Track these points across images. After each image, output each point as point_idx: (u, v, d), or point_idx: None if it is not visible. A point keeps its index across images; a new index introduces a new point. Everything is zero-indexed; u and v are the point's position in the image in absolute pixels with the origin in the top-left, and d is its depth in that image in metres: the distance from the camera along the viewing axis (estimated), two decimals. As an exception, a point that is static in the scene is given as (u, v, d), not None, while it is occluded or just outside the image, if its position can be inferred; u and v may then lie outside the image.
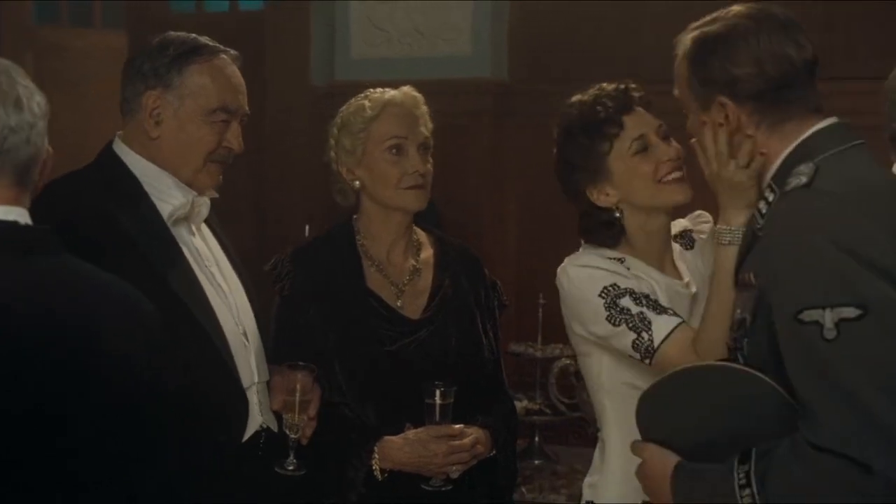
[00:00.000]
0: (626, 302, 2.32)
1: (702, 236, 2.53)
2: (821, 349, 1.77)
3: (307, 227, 4.21)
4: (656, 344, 2.27)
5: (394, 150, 2.64)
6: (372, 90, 2.73)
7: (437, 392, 2.52)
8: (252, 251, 4.11)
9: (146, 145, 2.38)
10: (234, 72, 2.45)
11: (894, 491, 1.73)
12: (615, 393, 2.41)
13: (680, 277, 2.46)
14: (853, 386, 1.74)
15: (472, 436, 2.57)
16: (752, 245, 1.99)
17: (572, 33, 5.27)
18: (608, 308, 2.33)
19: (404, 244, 2.73)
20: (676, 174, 2.39)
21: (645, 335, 2.28)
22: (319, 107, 4.85)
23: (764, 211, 1.98)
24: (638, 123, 2.42)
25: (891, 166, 2.56)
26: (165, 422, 1.70)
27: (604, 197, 2.42)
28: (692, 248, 2.52)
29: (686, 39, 2.07)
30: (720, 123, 2.02)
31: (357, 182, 2.68)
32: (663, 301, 2.35)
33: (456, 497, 2.59)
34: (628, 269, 2.39)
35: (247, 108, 2.46)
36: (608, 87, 2.46)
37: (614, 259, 2.41)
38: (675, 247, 2.51)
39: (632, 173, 2.39)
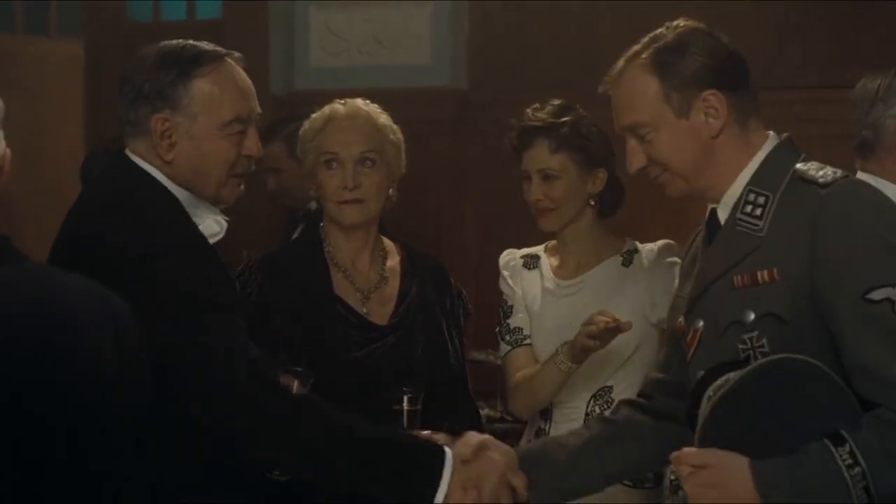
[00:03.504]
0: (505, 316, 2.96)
1: (643, 259, 2.88)
2: None
3: (245, 253, 4.16)
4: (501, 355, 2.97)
5: (332, 164, 2.68)
6: (337, 101, 2.76)
7: (405, 398, 2.52)
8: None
9: (163, 168, 2.24)
10: (241, 75, 2.28)
11: None
12: None
13: (570, 277, 2.90)
14: None
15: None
16: (749, 247, 2.01)
17: (530, 42, 5.29)
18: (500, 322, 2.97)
19: (370, 252, 2.74)
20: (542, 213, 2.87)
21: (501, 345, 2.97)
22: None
23: (758, 213, 2.01)
24: (529, 160, 2.86)
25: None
26: (142, 417, 1.71)
27: None
28: (628, 265, 2.88)
29: (638, 60, 2.06)
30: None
31: (312, 191, 2.76)
32: (534, 300, 2.90)
33: None
34: (535, 266, 2.93)
35: (259, 108, 2.32)
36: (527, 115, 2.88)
37: (530, 255, 2.96)
38: (617, 258, 2.90)
39: None
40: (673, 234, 3.00)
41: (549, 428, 2.87)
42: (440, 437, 2.59)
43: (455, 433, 2.64)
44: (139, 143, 2.25)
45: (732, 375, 1.94)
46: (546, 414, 2.89)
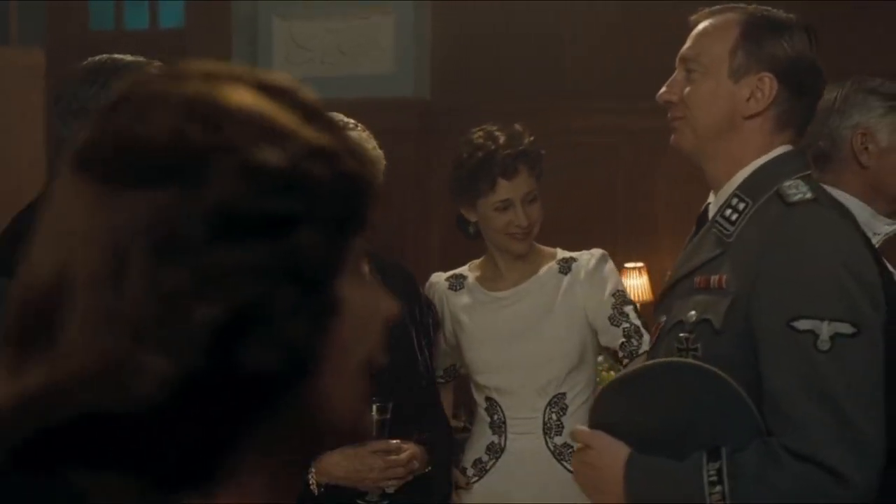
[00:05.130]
0: None
1: (581, 267, 2.86)
2: (814, 359, 1.80)
3: None
4: None
5: None
6: None
7: (374, 407, 2.51)
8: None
9: None
10: None
11: (865, 503, 1.77)
12: None
13: (506, 289, 2.89)
14: (839, 398, 1.78)
15: (408, 451, 2.58)
16: (716, 250, 1.98)
17: (493, 52, 5.32)
18: None
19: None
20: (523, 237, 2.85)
21: None
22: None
23: (734, 219, 1.97)
24: (513, 188, 2.81)
25: None
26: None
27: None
28: (566, 273, 2.87)
29: (737, 11, 2.05)
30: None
31: None
32: (466, 319, 2.90)
33: (392, 512, 2.60)
34: (461, 287, 2.94)
35: None
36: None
37: (455, 276, 2.97)
38: (553, 266, 2.89)
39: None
40: (597, 240, 3.05)
41: (504, 442, 2.85)
42: (410, 446, 2.60)
43: (424, 442, 2.65)
44: None
45: (631, 364, 1.94)
46: (499, 428, 2.86)
